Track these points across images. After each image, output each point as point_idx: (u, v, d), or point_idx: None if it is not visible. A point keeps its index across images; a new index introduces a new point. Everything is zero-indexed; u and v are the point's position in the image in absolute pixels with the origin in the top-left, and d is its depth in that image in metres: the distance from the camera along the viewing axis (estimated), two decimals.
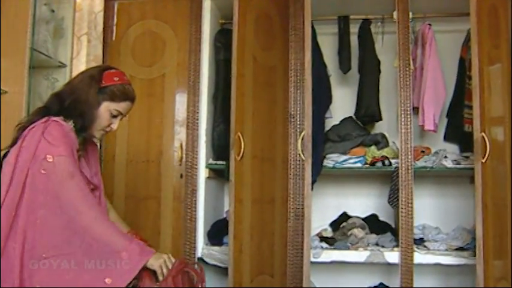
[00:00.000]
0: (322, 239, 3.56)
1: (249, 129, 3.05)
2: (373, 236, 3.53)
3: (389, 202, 3.41)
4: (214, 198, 3.76)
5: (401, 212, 3.18)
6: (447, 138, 3.82)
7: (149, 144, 3.46)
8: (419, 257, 3.23)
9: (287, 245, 3.31)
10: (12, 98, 2.95)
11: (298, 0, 3.41)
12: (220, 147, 3.56)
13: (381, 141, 3.59)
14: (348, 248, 3.41)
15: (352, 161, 3.53)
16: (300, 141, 3.28)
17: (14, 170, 1.81)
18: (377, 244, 3.46)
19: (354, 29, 3.78)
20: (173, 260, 1.89)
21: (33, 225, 1.79)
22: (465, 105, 3.55)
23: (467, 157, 3.43)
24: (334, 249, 3.43)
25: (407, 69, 3.29)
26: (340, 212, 3.87)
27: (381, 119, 3.72)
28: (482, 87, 2.93)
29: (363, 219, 3.73)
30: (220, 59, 3.68)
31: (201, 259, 3.41)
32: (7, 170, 1.82)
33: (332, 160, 3.52)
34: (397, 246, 3.27)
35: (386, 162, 3.44)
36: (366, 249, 3.36)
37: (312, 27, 3.32)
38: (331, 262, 3.39)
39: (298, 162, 3.34)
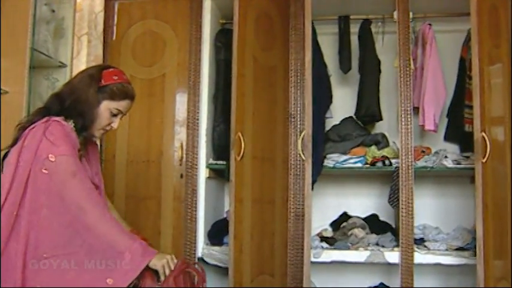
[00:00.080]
0: (323, 239, 3.56)
1: (250, 129, 3.05)
2: (374, 236, 3.53)
3: (389, 202, 3.41)
4: (215, 198, 3.76)
5: (402, 212, 3.18)
6: (447, 138, 3.82)
7: (149, 144, 3.46)
8: (420, 257, 3.23)
9: (287, 245, 3.31)
10: (12, 98, 2.95)
11: (299, 0, 3.41)
12: (221, 147, 3.56)
13: (381, 141, 3.59)
14: (348, 248, 3.41)
15: (352, 161, 3.53)
16: (300, 141, 3.28)
17: (15, 170, 1.81)
18: (377, 244, 3.46)
19: (355, 28, 3.78)
20: (176, 261, 1.89)
21: (36, 226, 1.79)
22: (465, 105, 3.55)
23: (467, 157, 3.43)
24: (335, 249, 3.43)
25: (407, 69, 3.29)
26: (341, 212, 3.87)
27: (381, 119, 3.72)
28: (482, 87, 2.93)
29: (363, 219, 3.73)
30: (220, 59, 3.68)
31: (201, 259, 3.41)
32: (8, 170, 1.82)
33: (332, 160, 3.52)
34: (397, 246, 3.27)
35: (387, 162, 3.44)
36: (366, 249, 3.36)
37: (313, 27, 3.33)
38: (332, 262, 3.39)
39: (298, 162, 3.34)
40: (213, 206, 3.68)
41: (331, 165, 3.51)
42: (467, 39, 3.59)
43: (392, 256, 3.26)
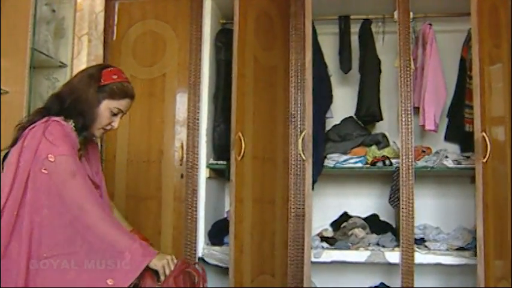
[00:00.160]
0: (323, 238, 3.56)
1: (250, 129, 3.05)
2: (374, 236, 3.52)
3: (390, 202, 3.41)
4: (215, 198, 3.76)
5: (402, 211, 3.18)
6: (448, 138, 3.82)
7: (150, 144, 3.47)
8: (420, 257, 3.23)
9: (288, 244, 3.31)
10: (13, 98, 2.95)
11: (299, 0, 3.41)
12: (221, 147, 3.56)
13: (381, 141, 3.59)
14: (348, 248, 3.41)
15: (352, 160, 3.53)
16: (300, 141, 3.28)
17: (16, 170, 1.81)
18: (378, 244, 3.46)
19: (355, 28, 3.78)
20: (176, 261, 1.89)
21: (38, 226, 1.79)
22: (466, 105, 3.55)
23: (468, 157, 3.43)
24: (335, 249, 3.43)
25: (408, 69, 3.29)
26: (341, 212, 3.87)
27: (381, 119, 3.72)
28: (482, 87, 2.93)
29: (364, 219, 3.73)
30: (220, 59, 3.68)
31: (201, 259, 3.41)
32: (9, 170, 1.82)
33: (333, 160, 3.52)
34: (397, 246, 3.27)
35: (387, 162, 3.44)
36: (367, 249, 3.36)
37: (313, 27, 3.33)
38: (332, 262, 3.39)
39: (298, 162, 3.34)
40: (213, 206, 3.68)
41: (332, 165, 3.51)
42: (468, 39, 3.59)
43: (393, 256, 3.26)
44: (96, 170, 2.14)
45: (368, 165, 3.52)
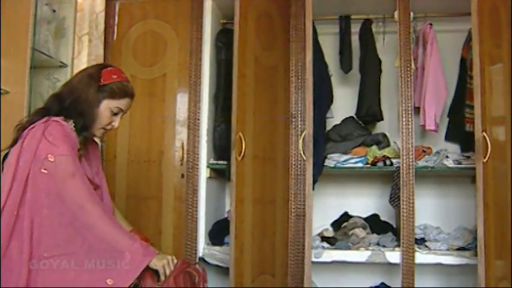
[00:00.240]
0: (324, 238, 3.56)
1: (250, 129, 3.05)
2: (375, 235, 3.52)
3: (390, 202, 3.41)
4: (216, 198, 3.76)
5: (403, 211, 3.18)
6: (448, 138, 3.82)
7: (150, 144, 3.47)
8: (421, 256, 3.23)
9: (288, 244, 3.31)
10: (13, 98, 2.95)
11: (299, 0, 3.41)
12: (222, 147, 3.56)
13: (382, 141, 3.59)
14: (349, 248, 3.41)
15: (353, 160, 3.52)
16: (301, 141, 3.28)
17: (15, 170, 1.81)
18: (378, 244, 3.46)
19: (355, 28, 3.78)
20: (176, 262, 1.89)
21: (38, 226, 1.79)
22: (466, 104, 3.55)
23: (468, 157, 3.43)
24: (336, 249, 3.43)
25: (408, 69, 3.29)
26: (342, 212, 3.87)
27: (382, 119, 3.72)
28: (483, 87, 2.93)
29: (364, 219, 3.73)
30: (221, 59, 3.68)
31: (202, 259, 3.41)
32: (9, 170, 1.82)
33: (333, 160, 3.52)
34: (398, 246, 3.27)
35: (388, 162, 3.44)
36: (367, 249, 3.36)
37: (313, 27, 3.32)
38: (333, 262, 3.39)
39: (299, 162, 3.34)
40: (214, 206, 3.68)
41: (332, 165, 3.50)
42: (468, 39, 3.59)
43: (393, 256, 3.26)
44: (97, 170, 2.14)
45: (368, 165, 3.52)
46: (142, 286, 1.82)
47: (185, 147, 3.43)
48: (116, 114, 2.04)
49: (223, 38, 3.68)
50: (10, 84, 2.96)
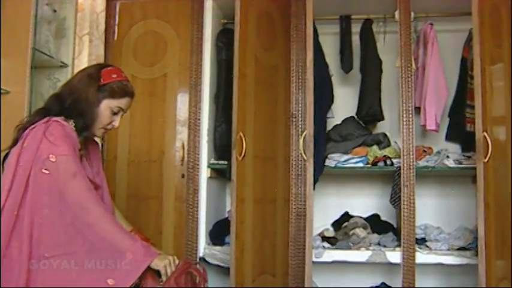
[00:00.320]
0: (324, 238, 3.56)
1: (251, 129, 3.05)
2: (375, 235, 3.52)
3: (391, 202, 3.41)
4: (216, 198, 3.76)
5: (403, 211, 3.18)
6: (449, 137, 3.82)
7: (151, 144, 3.47)
8: (421, 256, 3.23)
9: (289, 244, 3.31)
10: (14, 98, 2.95)
11: (300, 0, 3.41)
12: (222, 147, 3.56)
13: (382, 141, 3.59)
14: (349, 248, 3.41)
15: (354, 160, 3.52)
16: (301, 141, 3.28)
17: (15, 170, 1.82)
18: (379, 244, 3.45)
19: (356, 28, 3.78)
20: (178, 262, 1.90)
21: (38, 226, 1.79)
22: (467, 104, 3.54)
23: (469, 157, 3.43)
24: (336, 249, 3.43)
25: (409, 68, 3.29)
26: (342, 212, 3.87)
27: (382, 119, 3.72)
28: (484, 87, 2.92)
29: (365, 219, 3.73)
30: (222, 59, 3.68)
31: (202, 259, 3.41)
32: (9, 170, 1.83)
33: (334, 160, 3.52)
34: (399, 246, 3.27)
35: (388, 162, 3.44)
36: (368, 249, 3.36)
37: (314, 26, 3.32)
38: (333, 262, 3.39)
39: (300, 162, 3.34)
40: (214, 206, 3.68)
41: (333, 165, 3.50)
42: (469, 39, 3.59)
43: (394, 256, 3.26)
44: (97, 170, 2.15)
45: (369, 165, 3.51)
46: (144, 286, 1.82)
47: (186, 147, 3.43)
48: (116, 113, 2.04)
49: (224, 38, 3.68)
50: (10, 84, 2.96)
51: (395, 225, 3.65)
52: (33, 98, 3.02)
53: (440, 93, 3.52)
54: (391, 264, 3.31)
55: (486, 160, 2.87)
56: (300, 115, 3.39)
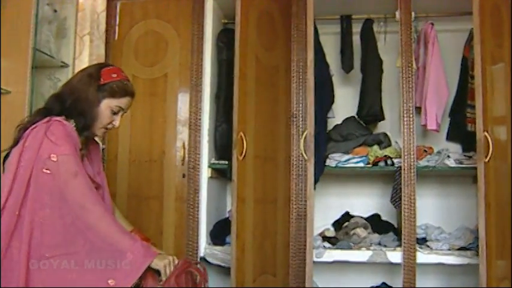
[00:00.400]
0: (325, 238, 3.56)
1: (252, 128, 3.05)
2: (376, 235, 3.52)
3: (391, 202, 3.41)
4: (217, 198, 3.76)
5: (404, 211, 3.18)
6: (450, 137, 3.82)
7: (151, 144, 3.47)
8: (422, 256, 3.23)
9: (289, 244, 3.31)
10: (15, 97, 2.96)
11: (301, 0, 3.40)
12: (223, 147, 3.57)
13: (383, 141, 3.59)
14: (350, 248, 3.41)
15: (354, 160, 3.52)
16: (302, 140, 3.28)
17: (16, 170, 1.82)
18: (379, 244, 3.45)
19: (357, 28, 3.78)
20: (177, 262, 1.90)
21: (38, 225, 1.79)
22: (468, 104, 3.55)
23: (469, 157, 3.43)
24: (337, 248, 3.42)
25: (409, 68, 3.29)
26: (343, 212, 3.87)
27: (383, 119, 3.72)
28: (485, 87, 2.92)
29: (366, 218, 3.73)
30: (222, 59, 3.68)
31: (203, 259, 3.41)
32: (10, 170, 1.83)
33: (334, 160, 3.52)
34: (399, 245, 3.27)
35: (389, 161, 3.44)
36: (369, 249, 3.36)
37: (315, 26, 3.31)
38: (334, 262, 3.38)
39: (300, 162, 3.34)
40: (215, 206, 3.68)
41: (333, 165, 3.50)
42: (470, 39, 3.59)
43: (395, 256, 3.26)
44: (98, 170, 2.15)
45: (370, 165, 3.51)
46: (144, 286, 1.82)
47: (186, 147, 3.43)
48: (116, 113, 2.04)
49: (225, 38, 3.68)
50: (11, 84, 2.96)
51: (396, 225, 3.65)
52: (33, 98, 3.02)
53: (441, 93, 3.52)
54: (391, 264, 3.31)
55: (487, 160, 2.86)
56: (300, 115, 3.39)
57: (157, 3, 3.58)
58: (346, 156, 3.54)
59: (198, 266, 2.02)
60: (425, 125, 3.48)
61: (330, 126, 3.73)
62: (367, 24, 3.74)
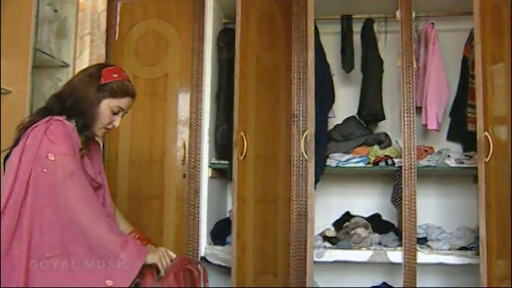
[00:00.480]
0: (325, 238, 3.56)
1: (252, 128, 3.05)
2: (376, 235, 3.52)
3: (392, 201, 3.41)
4: (217, 198, 3.76)
5: (405, 211, 3.18)
6: (450, 137, 3.82)
7: (152, 144, 3.47)
8: (423, 256, 3.23)
9: (290, 244, 3.31)
10: (15, 97, 2.96)
11: (301, 0, 3.41)
12: (223, 147, 3.57)
13: (383, 141, 3.59)
14: (351, 248, 3.41)
15: (355, 160, 3.52)
16: (303, 140, 3.28)
17: (17, 169, 1.82)
18: (380, 243, 3.45)
19: (357, 28, 3.77)
20: (170, 254, 1.93)
21: (38, 225, 1.79)
22: (468, 104, 3.54)
23: (470, 156, 3.43)
24: (337, 248, 3.42)
25: (410, 68, 3.29)
26: (343, 212, 3.87)
27: (384, 119, 3.72)
28: (485, 87, 2.92)
29: (366, 218, 3.73)
30: (223, 59, 3.68)
31: (204, 259, 3.42)
32: (11, 170, 1.83)
33: (335, 159, 3.52)
34: (400, 245, 3.27)
35: (389, 161, 3.44)
36: (369, 249, 3.36)
37: (315, 26, 3.32)
38: (334, 262, 3.38)
39: (301, 162, 3.34)
40: (215, 206, 3.68)
41: (334, 165, 3.50)
42: (470, 39, 3.59)
43: (395, 256, 3.25)
44: (99, 170, 2.15)
45: (370, 165, 3.51)
46: (143, 286, 1.83)
47: (187, 147, 3.43)
48: (116, 113, 2.04)
49: (225, 38, 3.68)
50: (12, 84, 2.96)
51: (396, 225, 3.65)
52: (34, 98, 3.03)
53: (442, 92, 3.52)
54: (392, 264, 3.31)
55: (487, 160, 2.86)
56: (301, 115, 3.39)
57: (158, 3, 3.58)
58: (347, 156, 3.54)
59: (199, 266, 2.02)
60: (425, 125, 3.48)
61: (331, 126, 3.73)
62: (368, 24, 3.74)
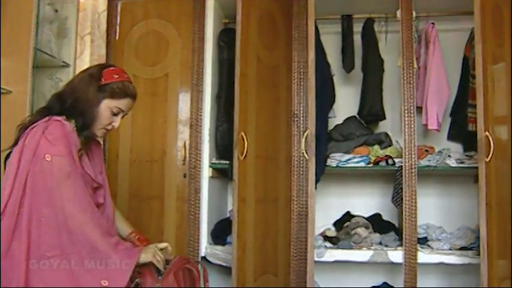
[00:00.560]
0: (326, 238, 3.56)
1: (253, 128, 3.05)
2: (377, 235, 3.52)
3: (392, 201, 3.41)
4: (218, 198, 3.76)
5: (405, 211, 3.18)
6: (451, 137, 3.82)
7: (152, 144, 3.47)
8: (423, 256, 3.23)
9: (291, 244, 3.31)
10: (16, 97, 2.96)
11: (302, 0, 3.41)
12: (224, 147, 3.57)
13: (384, 141, 3.59)
14: (351, 248, 3.41)
15: (355, 160, 3.52)
16: (303, 140, 3.28)
17: (17, 170, 1.82)
18: (380, 243, 3.45)
19: (358, 28, 3.77)
20: (159, 245, 1.96)
21: (37, 225, 1.79)
22: (469, 104, 3.54)
23: (471, 156, 3.43)
24: (338, 248, 3.42)
25: (410, 68, 3.28)
26: (344, 212, 3.87)
27: (384, 118, 3.72)
28: (486, 86, 2.92)
29: (367, 218, 3.72)
30: (223, 59, 3.68)
31: (204, 258, 3.42)
32: (10, 170, 1.83)
33: (335, 159, 3.52)
34: (400, 245, 3.26)
35: (390, 161, 3.43)
36: (370, 249, 3.36)
37: (315, 26, 3.31)
38: (335, 261, 3.38)
39: (301, 162, 3.34)
40: (216, 206, 3.68)
41: (334, 165, 3.50)
42: (471, 38, 3.58)
43: (396, 255, 3.25)
44: (100, 170, 2.15)
45: (371, 165, 3.51)
46: (143, 286, 1.83)
47: (187, 147, 3.43)
48: (116, 114, 2.03)
49: (226, 38, 3.68)
50: (12, 83, 2.96)
51: (397, 225, 3.65)
52: (34, 98, 3.03)
53: (442, 92, 3.51)
54: (392, 263, 3.31)
55: (488, 160, 2.86)
56: (301, 115, 3.39)
57: (158, 3, 3.58)
58: (347, 156, 3.54)
59: (199, 265, 2.03)
60: (426, 125, 3.47)
61: (331, 126, 3.73)
62: (368, 24, 3.74)
